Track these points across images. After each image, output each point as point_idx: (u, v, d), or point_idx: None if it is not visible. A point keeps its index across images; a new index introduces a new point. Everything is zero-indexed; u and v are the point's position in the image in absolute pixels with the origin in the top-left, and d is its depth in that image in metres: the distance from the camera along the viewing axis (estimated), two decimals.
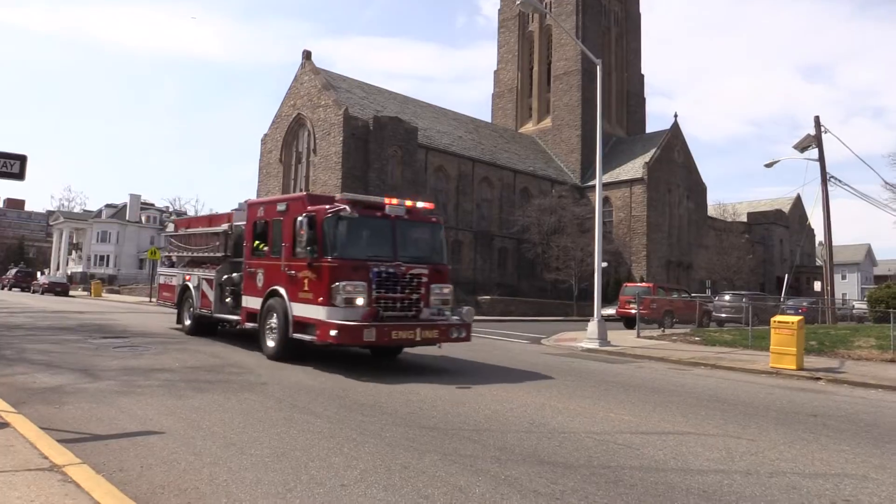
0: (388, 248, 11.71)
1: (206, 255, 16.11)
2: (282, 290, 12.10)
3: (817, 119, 28.78)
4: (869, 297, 29.11)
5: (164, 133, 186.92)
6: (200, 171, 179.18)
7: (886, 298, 24.33)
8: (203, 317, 15.96)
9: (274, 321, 12.29)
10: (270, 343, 12.37)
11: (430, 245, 12.57)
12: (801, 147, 29.01)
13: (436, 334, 11.59)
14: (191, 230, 17.64)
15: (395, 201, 12.20)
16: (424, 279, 11.80)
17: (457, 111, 63.71)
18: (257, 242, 13.43)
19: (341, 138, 45.45)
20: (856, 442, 7.51)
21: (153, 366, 11.27)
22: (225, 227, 15.35)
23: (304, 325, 11.52)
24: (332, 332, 10.66)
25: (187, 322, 16.88)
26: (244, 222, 14.30)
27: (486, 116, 72.93)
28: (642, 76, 75.51)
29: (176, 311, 17.80)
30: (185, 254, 17.59)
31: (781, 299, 31.69)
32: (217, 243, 15.55)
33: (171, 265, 18.74)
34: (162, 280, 19.33)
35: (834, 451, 6.97)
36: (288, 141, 51.70)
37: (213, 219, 16.73)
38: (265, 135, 54.04)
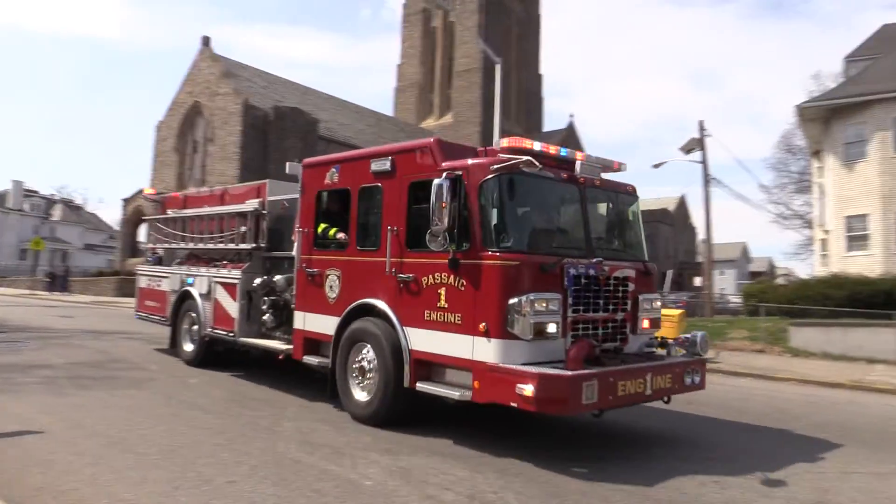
0: (578, 233, 7.17)
1: (220, 247, 10.78)
2: (382, 306, 7.38)
3: (701, 123, 30.66)
4: (743, 292, 31.30)
5: (52, 117, 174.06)
6: (91, 158, 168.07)
7: (758, 293, 26.30)
8: (219, 340, 10.49)
9: (368, 358, 7.49)
10: (361, 395, 7.58)
11: (628, 230, 8.05)
12: (686, 150, 30.78)
13: (669, 382, 6.91)
14: (191, 211, 11.89)
15: (580, 155, 7.43)
16: (631, 287, 7.33)
17: (359, 104, 63.14)
18: (324, 226, 8.43)
19: (240, 128, 44.25)
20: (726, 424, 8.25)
21: (33, 362, 10.70)
22: (254, 204, 10.02)
23: (433, 368, 7.00)
24: (523, 390, 5.89)
25: (188, 346, 11.31)
26: (290, 195, 9.57)
27: (389, 110, 72.90)
28: (541, 76, 77.86)
29: (167, 326, 12.00)
30: (182, 245, 12.02)
31: (664, 294, 33.48)
32: (242, 229, 10.18)
33: (159, 261, 13.01)
34: (143, 283, 13.05)
35: (702, 434, 7.73)
36: (184, 129, 49.68)
37: (229, 194, 11.12)
38: (160, 122, 51.67)
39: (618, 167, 7.75)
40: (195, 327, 10.97)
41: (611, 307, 7.06)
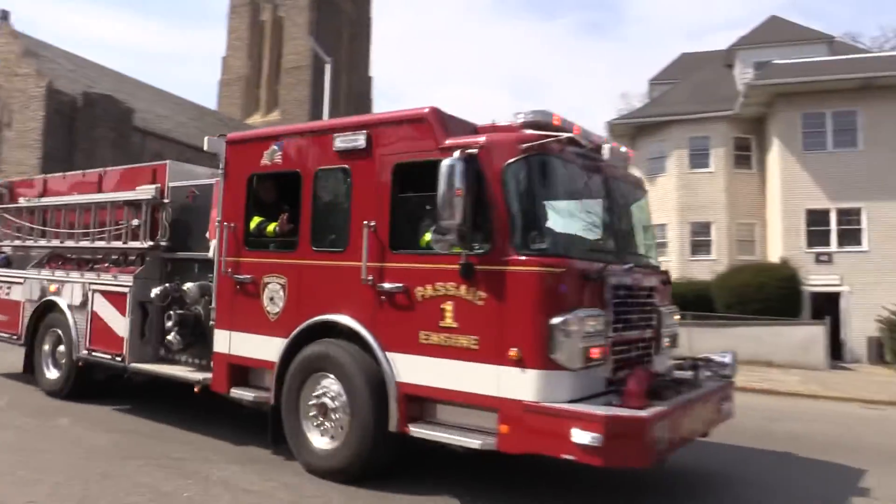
0: (606, 233, 5.79)
1: (99, 245, 8.29)
2: (353, 325, 5.63)
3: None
4: None
5: None
6: None
7: None
8: (101, 365, 8.02)
9: (331, 393, 5.68)
10: (321, 441, 5.74)
11: (645, 231, 6.71)
12: None
13: (713, 412, 5.81)
14: (55, 200, 9.09)
15: (607, 140, 5.98)
16: (657, 298, 6.12)
17: (180, 95, 59.19)
18: (259, 220, 6.55)
19: (43, 114, 39.87)
20: None
21: None
22: (150, 191, 7.66)
23: (432, 406, 5.39)
24: (583, 437, 4.48)
25: (51, 373, 8.65)
26: (202, 180, 7.63)
27: (212, 104, 69.71)
28: (371, 78, 78.45)
29: (21, 346, 9.18)
30: (41, 243, 9.22)
31: None
32: (133, 223, 7.78)
33: (6, 263, 9.81)
34: None
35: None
36: None
37: (111, 178, 8.55)
38: None
39: (632, 157, 6.50)
40: (61, 348, 8.44)
41: (642, 323, 5.79)
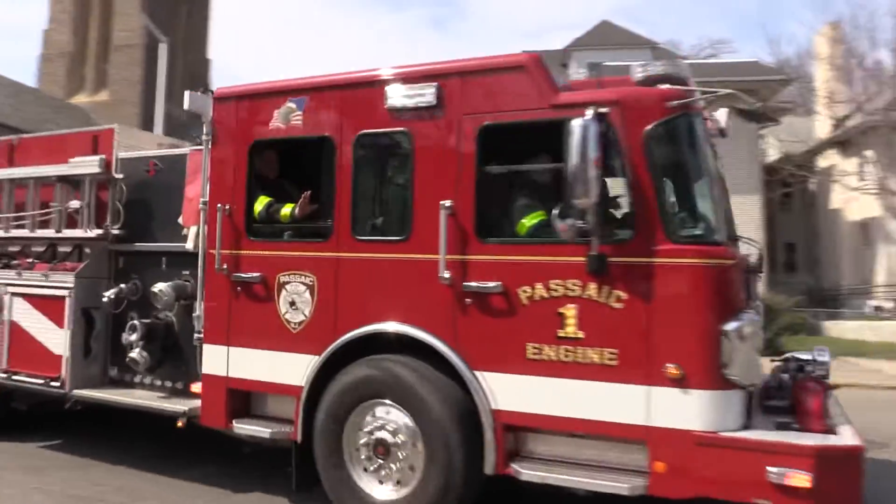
0: (720, 215, 4.35)
1: (18, 235, 6.29)
2: (424, 337, 4.29)
3: None
4: None
5: None
6: None
7: None
8: (25, 392, 6.15)
9: (392, 426, 4.32)
10: (383, 492, 4.34)
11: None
12: None
13: None
14: None
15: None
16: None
17: None
18: (267, 200, 5.00)
19: None
20: None
21: None
22: (93, 164, 5.75)
23: (537, 438, 4.18)
24: (789, 476, 3.42)
25: None
26: (167, 150, 6.13)
27: (31, 80, 63.93)
28: (209, 60, 75.08)
29: None
30: None
31: None
32: (72, 206, 5.91)
33: None
34: None
35: None
36: None
37: (30, 148, 6.55)
38: None
39: None
40: None
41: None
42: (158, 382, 5.60)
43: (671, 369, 3.71)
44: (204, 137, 5.18)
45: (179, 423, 5.13)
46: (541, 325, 4.02)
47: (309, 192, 4.83)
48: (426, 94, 4.35)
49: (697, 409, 3.69)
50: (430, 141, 4.37)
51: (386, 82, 4.51)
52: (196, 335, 5.18)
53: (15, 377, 5.94)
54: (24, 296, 5.94)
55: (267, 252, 4.93)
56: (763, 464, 3.49)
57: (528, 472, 3.99)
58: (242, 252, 4.97)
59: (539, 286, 4.03)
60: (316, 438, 4.55)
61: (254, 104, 5.02)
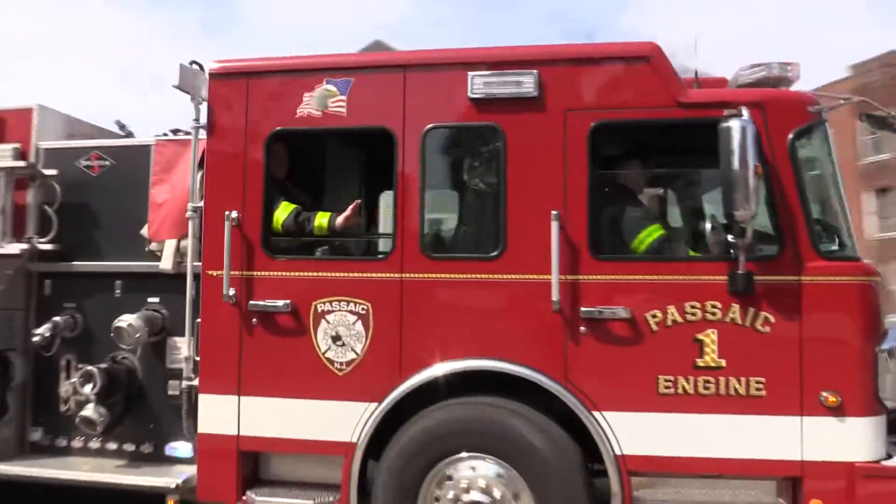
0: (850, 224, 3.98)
1: None
2: (529, 373, 3.54)
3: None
4: None
5: None
6: None
7: None
8: None
9: (483, 482, 3.46)
10: None
11: None
12: None
13: None
14: None
15: None
16: None
17: None
18: (291, 209, 3.93)
19: None
20: None
21: None
22: (5, 153, 4.22)
23: (679, 480, 3.56)
24: None
25: None
26: (124, 141, 4.74)
27: None
28: None
29: None
30: None
31: None
32: None
33: None
34: None
35: None
36: None
37: None
38: None
39: None
40: None
41: None
42: (113, 447, 4.24)
43: (828, 397, 3.38)
44: (193, 124, 3.99)
45: (171, 503, 3.87)
46: (675, 355, 3.50)
47: (359, 201, 3.88)
48: (524, 84, 3.64)
49: (857, 437, 3.40)
50: (527, 139, 3.66)
51: (470, 65, 3.72)
52: (185, 382, 3.97)
53: None
54: None
55: (296, 273, 3.88)
56: None
57: None
58: (259, 273, 3.87)
59: (672, 310, 3.50)
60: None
61: (275, 84, 3.94)
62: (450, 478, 3.58)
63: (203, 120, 3.96)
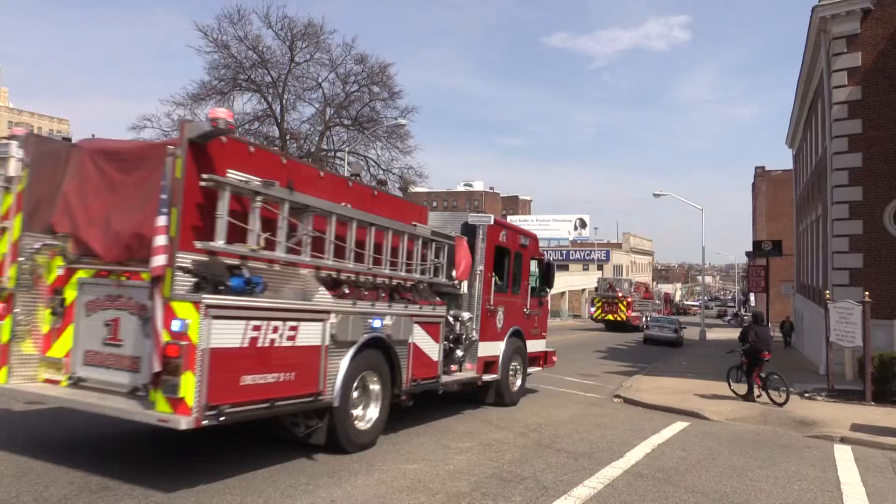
0: None
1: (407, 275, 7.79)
2: None
3: None
4: None
5: None
6: None
7: None
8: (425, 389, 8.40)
9: None
10: None
11: None
12: None
13: None
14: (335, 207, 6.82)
15: None
16: None
17: None
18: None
19: None
20: None
21: None
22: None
23: None
24: None
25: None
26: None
27: None
28: None
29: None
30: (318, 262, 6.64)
31: None
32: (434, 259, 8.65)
33: (247, 284, 5.69)
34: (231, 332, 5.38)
35: None
36: None
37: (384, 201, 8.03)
38: None
39: None
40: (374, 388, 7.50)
41: None
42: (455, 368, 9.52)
43: None
44: (480, 242, 10.02)
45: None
46: None
47: None
48: None
49: None
50: None
51: None
52: (473, 334, 9.87)
53: (414, 382, 8.13)
54: (420, 323, 8.20)
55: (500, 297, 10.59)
56: None
57: None
58: (492, 299, 10.34)
59: None
60: None
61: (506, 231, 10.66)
62: None
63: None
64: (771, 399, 12.80)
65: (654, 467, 7.53)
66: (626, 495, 6.31)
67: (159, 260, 5.26)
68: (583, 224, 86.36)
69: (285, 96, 34.34)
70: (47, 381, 6.22)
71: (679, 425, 10.53)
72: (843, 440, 9.96)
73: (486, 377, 10.22)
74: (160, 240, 5.27)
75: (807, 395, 14.01)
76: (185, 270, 5.38)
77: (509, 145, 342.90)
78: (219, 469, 6.13)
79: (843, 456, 8.92)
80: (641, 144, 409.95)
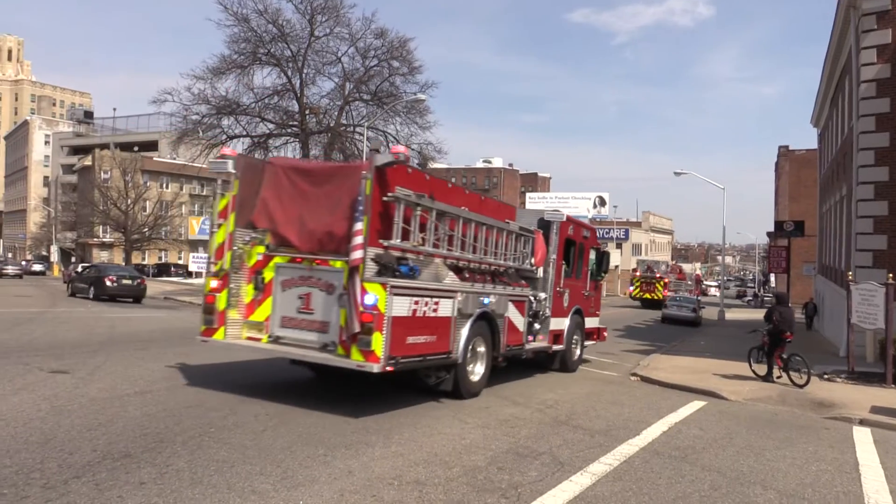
0: None
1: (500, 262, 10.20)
2: None
3: None
4: None
5: None
6: None
7: None
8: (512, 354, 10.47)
9: None
10: None
11: None
12: None
13: None
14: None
15: None
16: None
17: None
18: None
19: None
20: None
21: None
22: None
23: None
24: None
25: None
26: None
27: None
28: None
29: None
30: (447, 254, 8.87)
31: None
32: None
33: (410, 271, 7.88)
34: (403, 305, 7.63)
35: None
36: None
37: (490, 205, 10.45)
38: None
39: None
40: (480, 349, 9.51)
41: None
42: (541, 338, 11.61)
43: None
44: (554, 235, 11.99)
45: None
46: None
47: None
48: None
49: None
50: None
51: None
52: (546, 311, 11.90)
53: (507, 348, 10.21)
54: (512, 301, 10.25)
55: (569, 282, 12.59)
56: None
57: None
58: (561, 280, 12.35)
59: None
60: None
61: (573, 226, 12.62)
62: None
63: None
64: (791, 380, 12.88)
65: (670, 445, 7.57)
66: (643, 472, 6.37)
67: (357, 254, 7.28)
68: (602, 202, 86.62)
69: (305, 70, 33.24)
70: (249, 338, 8.35)
71: (696, 404, 10.63)
72: (862, 422, 9.89)
73: (555, 347, 12.29)
74: (358, 239, 7.28)
75: (826, 376, 13.99)
76: (373, 261, 7.43)
77: (529, 122, 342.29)
78: (236, 441, 6.29)
79: (862, 438, 8.87)
80: (663, 123, 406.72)
